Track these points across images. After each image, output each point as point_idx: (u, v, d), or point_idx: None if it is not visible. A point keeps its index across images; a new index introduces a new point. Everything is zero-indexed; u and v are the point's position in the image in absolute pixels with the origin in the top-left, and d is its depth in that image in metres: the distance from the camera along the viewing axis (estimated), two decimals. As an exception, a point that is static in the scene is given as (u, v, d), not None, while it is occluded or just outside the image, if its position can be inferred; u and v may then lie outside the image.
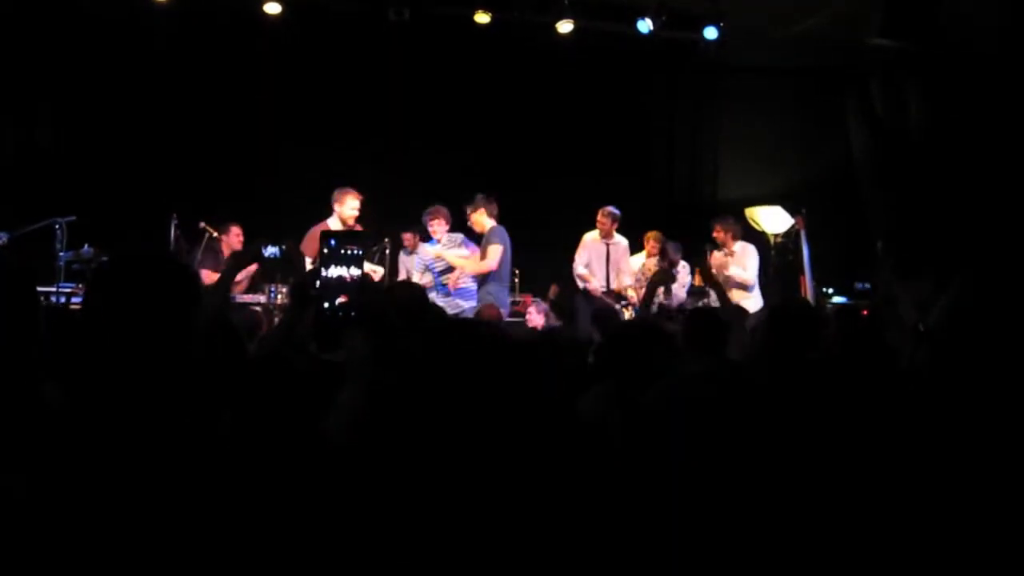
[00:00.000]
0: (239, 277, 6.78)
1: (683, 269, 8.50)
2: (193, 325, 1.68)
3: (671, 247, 8.39)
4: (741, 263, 8.26)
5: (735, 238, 8.39)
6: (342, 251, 1.45)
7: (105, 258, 7.09)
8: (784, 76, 10.66)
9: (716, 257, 8.38)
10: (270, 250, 2.68)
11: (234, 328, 2.24)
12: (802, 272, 8.71)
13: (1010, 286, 1.40)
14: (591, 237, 8.50)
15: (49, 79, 9.01)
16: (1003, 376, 1.34)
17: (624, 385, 2.56)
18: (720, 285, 5.34)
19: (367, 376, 2.23)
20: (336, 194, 7.27)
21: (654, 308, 8.17)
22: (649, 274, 8.31)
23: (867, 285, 8.97)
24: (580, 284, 8.41)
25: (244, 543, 1.40)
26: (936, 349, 1.49)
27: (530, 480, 1.97)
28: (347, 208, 7.21)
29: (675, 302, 8.15)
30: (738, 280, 8.18)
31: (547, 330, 6.72)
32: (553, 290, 8.97)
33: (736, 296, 8.03)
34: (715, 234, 8.45)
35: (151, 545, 1.42)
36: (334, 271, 1.44)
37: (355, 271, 1.43)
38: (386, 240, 8.42)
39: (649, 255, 8.58)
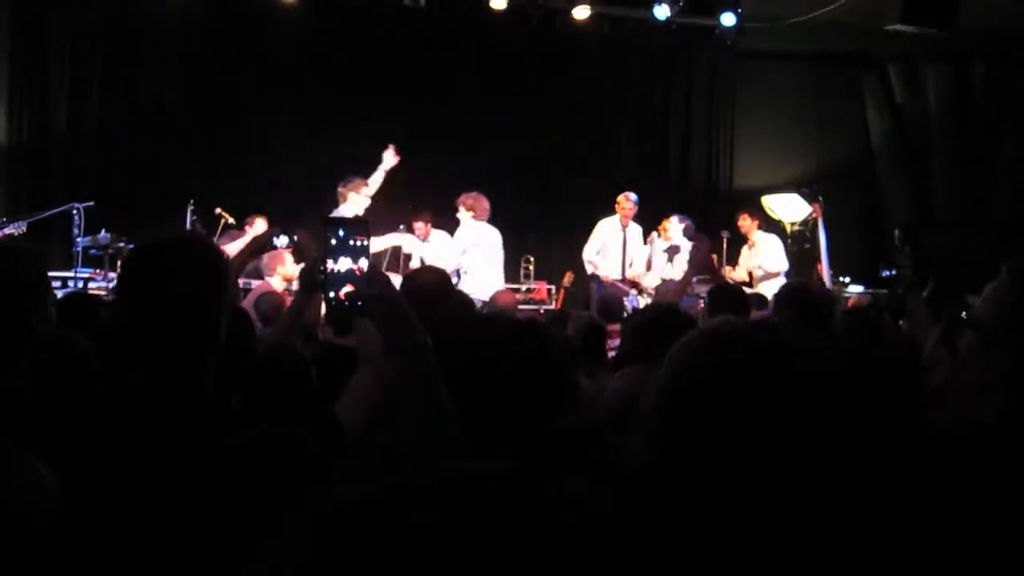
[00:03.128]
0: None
1: (689, 246, 8.46)
2: (224, 306, 1.69)
3: (684, 223, 8.37)
4: (761, 253, 8.24)
5: (758, 228, 8.37)
6: (350, 242, 1.43)
7: (122, 243, 7.15)
8: (801, 62, 10.58)
9: (745, 255, 8.38)
10: (281, 239, 2.70)
11: (244, 313, 2.25)
12: (819, 260, 8.64)
13: None
14: (609, 223, 8.44)
15: (65, 65, 9.04)
16: None
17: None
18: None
19: (376, 360, 2.23)
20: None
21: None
22: (663, 252, 8.33)
23: (893, 272, 8.89)
24: (589, 269, 8.35)
25: (249, 527, 1.41)
26: (988, 341, 1.46)
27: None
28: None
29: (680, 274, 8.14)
30: (767, 272, 8.15)
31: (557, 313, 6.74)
32: (568, 276, 8.97)
33: (759, 288, 8.05)
34: (740, 222, 8.40)
35: (161, 529, 1.44)
36: (342, 263, 1.41)
37: (363, 262, 1.41)
38: (400, 227, 8.40)
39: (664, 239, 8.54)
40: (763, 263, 8.17)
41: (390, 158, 7.08)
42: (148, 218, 8.46)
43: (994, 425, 1.36)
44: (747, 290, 8.04)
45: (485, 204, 7.58)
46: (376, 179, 7.04)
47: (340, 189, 7.00)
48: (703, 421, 0.91)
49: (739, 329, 0.97)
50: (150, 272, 1.66)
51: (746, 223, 8.36)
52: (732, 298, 4.31)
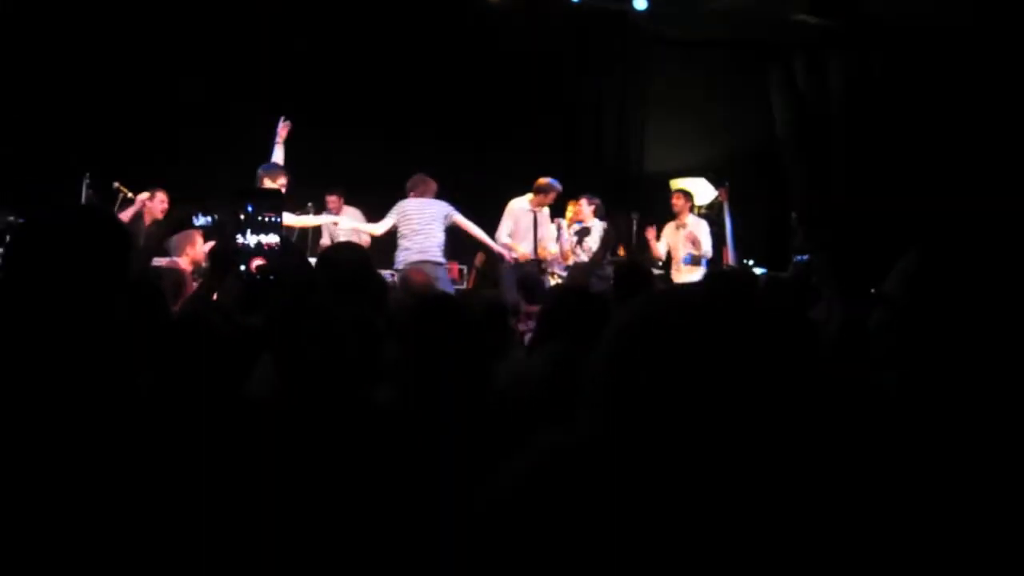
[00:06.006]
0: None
1: (599, 227, 8.55)
2: (124, 280, 1.61)
3: (592, 204, 8.48)
4: (693, 236, 8.49)
5: (691, 211, 8.60)
6: (259, 217, 1.37)
7: (11, 218, 6.80)
8: (712, 49, 10.74)
9: (670, 233, 8.57)
10: (201, 219, 2.58)
11: (157, 288, 2.15)
12: (724, 244, 8.84)
13: (972, 255, 1.41)
14: (519, 204, 8.38)
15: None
16: (980, 347, 1.33)
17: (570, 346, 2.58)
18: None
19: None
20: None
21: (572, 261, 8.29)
22: (574, 234, 8.42)
23: (805, 257, 9.14)
24: (505, 252, 8.23)
25: (164, 505, 1.34)
26: (900, 316, 1.49)
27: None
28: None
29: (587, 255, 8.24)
30: (702, 253, 8.39)
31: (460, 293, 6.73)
32: (480, 258, 8.94)
33: (684, 270, 8.29)
34: (674, 200, 8.63)
35: (71, 508, 1.36)
36: (251, 238, 1.35)
37: (273, 237, 1.35)
38: (309, 204, 8.24)
39: (572, 222, 8.59)
40: (702, 242, 8.39)
41: (282, 131, 6.90)
42: (39, 191, 8.04)
43: (897, 391, 1.40)
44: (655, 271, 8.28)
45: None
46: (278, 154, 6.84)
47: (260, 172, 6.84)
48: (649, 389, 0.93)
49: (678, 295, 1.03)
50: (40, 245, 1.56)
51: (680, 202, 8.65)
52: (640, 278, 4.41)
